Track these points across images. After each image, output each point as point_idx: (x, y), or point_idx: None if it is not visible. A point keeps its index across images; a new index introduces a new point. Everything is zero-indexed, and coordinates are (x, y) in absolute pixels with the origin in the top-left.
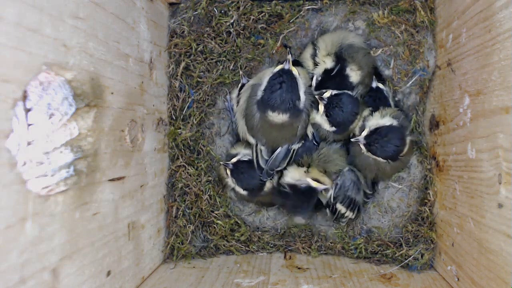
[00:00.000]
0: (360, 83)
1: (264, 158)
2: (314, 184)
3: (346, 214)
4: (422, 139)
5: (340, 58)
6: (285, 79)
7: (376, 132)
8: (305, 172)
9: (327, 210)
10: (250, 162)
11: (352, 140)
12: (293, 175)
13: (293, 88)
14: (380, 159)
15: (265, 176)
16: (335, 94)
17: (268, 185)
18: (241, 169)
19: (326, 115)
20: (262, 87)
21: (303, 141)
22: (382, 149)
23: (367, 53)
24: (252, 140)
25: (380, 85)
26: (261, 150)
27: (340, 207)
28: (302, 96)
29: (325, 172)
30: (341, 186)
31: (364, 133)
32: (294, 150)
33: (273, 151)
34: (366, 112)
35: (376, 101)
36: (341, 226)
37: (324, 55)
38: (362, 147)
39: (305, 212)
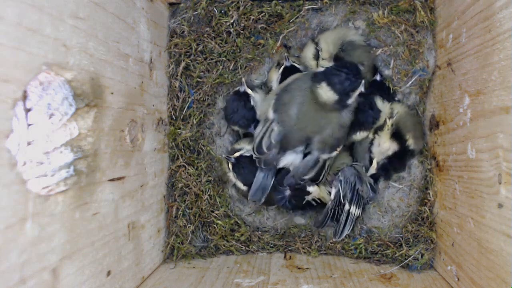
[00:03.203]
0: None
1: (270, 140)
2: (312, 194)
3: (355, 213)
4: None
5: (340, 58)
6: (354, 73)
7: (384, 163)
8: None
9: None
10: (252, 158)
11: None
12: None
13: (356, 82)
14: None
15: (257, 154)
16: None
17: None
18: (243, 164)
19: None
20: (327, 66)
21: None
22: (388, 175)
23: (367, 51)
24: (271, 115)
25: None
26: (272, 130)
27: (351, 208)
28: (353, 97)
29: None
30: (346, 181)
31: (373, 170)
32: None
33: (285, 137)
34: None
35: (382, 94)
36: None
37: (327, 56)
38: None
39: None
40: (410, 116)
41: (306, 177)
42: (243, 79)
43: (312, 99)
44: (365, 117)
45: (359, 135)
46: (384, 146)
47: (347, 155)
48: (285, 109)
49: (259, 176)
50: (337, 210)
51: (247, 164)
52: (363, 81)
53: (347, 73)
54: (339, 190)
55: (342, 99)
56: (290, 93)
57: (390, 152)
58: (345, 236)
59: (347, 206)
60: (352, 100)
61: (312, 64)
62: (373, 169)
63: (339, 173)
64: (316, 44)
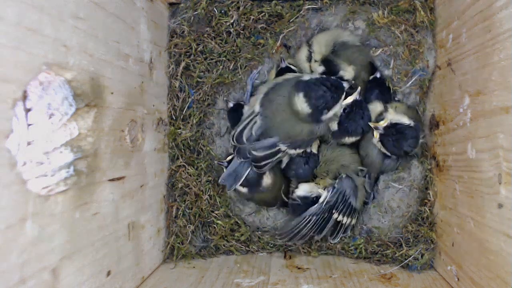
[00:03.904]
0: (356, 78)
1: (251, 131)
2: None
3: (346, 222)
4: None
5: (329, 59)
6: (333, 90)
7: (395, 127)
8: (315, 184)
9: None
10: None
11: (371, 125)
12: (305, 188)
13: (332, 101)
14: (387, 153)
15: (235, 142)
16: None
17: (266, 180)
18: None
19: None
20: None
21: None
22: (393, 144)
23: (360, 50)
24: (257, 108)
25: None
26: (255, 123)
27: (339, 217)
28: (329, 114)
29: (327, 174)
30: (340, 192)
31: (384, 124)
32: (280, 151)
33: (265, 131)
34: (379, 107)
35: (382, 92)
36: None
37: (319, 58)
38: (377, 136)
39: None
40: (411, 110)
41: (256, 153)
42: (225, 99)
43: (289, 104)
44: (354, 127)
45: (348, 140)
46: (397, 116)
47: (350, 153)
48: (270, 105)
49: (235, 162)
50: (321, 218)
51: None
52: (359, 88)
53: (325, 91)
54: (327, 198)
55: (314, 113)
56: (276, 92)
57: (406, 121)
58: (345, 236)
59: (335, 215)
60: (327, 117)
61: (305, 66)
62: (383, 124)
63: (337, 181)
64: (309, 46)
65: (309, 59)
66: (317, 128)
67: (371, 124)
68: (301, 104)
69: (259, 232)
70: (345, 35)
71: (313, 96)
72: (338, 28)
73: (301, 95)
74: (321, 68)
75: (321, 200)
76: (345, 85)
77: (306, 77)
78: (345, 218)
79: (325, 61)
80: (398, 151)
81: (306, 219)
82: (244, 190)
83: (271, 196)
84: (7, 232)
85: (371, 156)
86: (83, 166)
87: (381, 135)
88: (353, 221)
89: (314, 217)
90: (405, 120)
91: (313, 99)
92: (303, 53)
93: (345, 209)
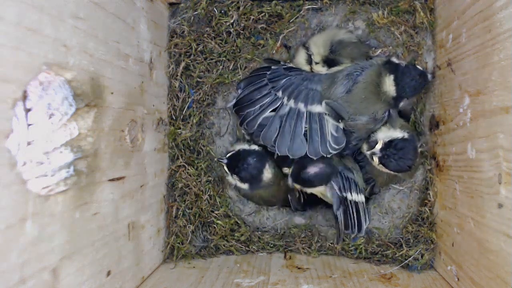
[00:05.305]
0: None
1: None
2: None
3: (357, 200)
4: (422, 139)
5: (331, 59)
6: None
7: (391, 145)
8: None
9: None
10: (247, 151)
11: (367, 153)
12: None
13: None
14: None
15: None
16: None
17: (267, 174)
18: (237, 158)
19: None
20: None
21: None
22: (396, 163)
23: (357, 46)
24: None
25: None
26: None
27: (350, 196)
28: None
29: None
30: (343, 177)
31: (379, 146)
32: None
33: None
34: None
35: None
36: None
37: (319, 59)
38: (376, 160)
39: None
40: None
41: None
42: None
43: (374, 83)
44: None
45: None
46: (389, 132)
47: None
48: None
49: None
50: (344, 209)
51: (242, 156)
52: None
53: (414, 79)
54: (335, 190)
55: (397, 98)
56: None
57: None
58: (345, 236)
59: (349, 196)
60: (402, 104)
61: (306, 69)
62: (378, 146)
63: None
64: (307, 49)
65: (309, 61)
66: (389, 113)
67: (367, 153)
68: (390, 86)
69: (259, 232)
70: (341, 33)
71: (401, 82)
72: (333, 28)
73: (392, 77)
74: (324, 70)
75: (328, 195)
76: (429, 77)
77: (396, 60)
78: (355, 195)
79: (328, 61)
80: (402, 168)
81: (340, 215)
82: (245, 186)
83: (271, 194)
84: (7, 232)
85: (383, 174)
86: (83, 166)
87: (379, 158)
88: (363, 198)
89: (342, 210)
90: (398, 134)
91: (400, 85)
92: (301, 57)
93: (349, 186)
